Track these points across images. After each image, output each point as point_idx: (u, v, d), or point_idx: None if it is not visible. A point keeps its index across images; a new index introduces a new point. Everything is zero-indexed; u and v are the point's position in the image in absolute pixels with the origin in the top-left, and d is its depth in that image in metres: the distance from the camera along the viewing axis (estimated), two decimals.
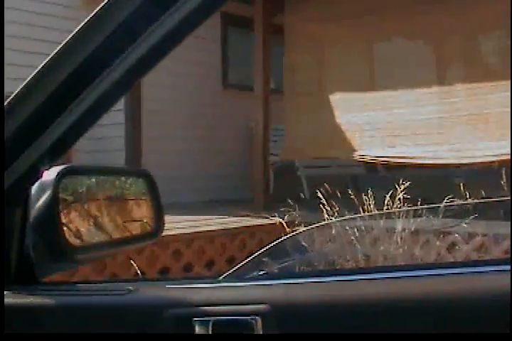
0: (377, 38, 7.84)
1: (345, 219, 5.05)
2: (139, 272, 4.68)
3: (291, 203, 6.07)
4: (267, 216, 6.38)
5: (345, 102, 7.82)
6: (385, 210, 5.22)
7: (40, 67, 1.13)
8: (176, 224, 5.48)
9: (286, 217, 6.07)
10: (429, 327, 1.11)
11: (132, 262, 4.73)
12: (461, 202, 4.60)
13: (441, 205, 4.09)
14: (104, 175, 1.54)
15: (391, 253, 5.12)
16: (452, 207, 4.28)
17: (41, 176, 1.23)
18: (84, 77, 1.13)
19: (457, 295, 1.12)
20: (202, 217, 6.69)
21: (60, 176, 1.28)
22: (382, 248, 5.14)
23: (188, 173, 8.58)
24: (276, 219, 6.10)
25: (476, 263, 1.41)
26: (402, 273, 1.27)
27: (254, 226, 6.39)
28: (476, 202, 4.25)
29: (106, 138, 7.52)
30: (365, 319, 1.14)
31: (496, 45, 6.65)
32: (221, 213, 6.90)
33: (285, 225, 5.96)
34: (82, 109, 1.15)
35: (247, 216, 6.67)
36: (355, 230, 5.21)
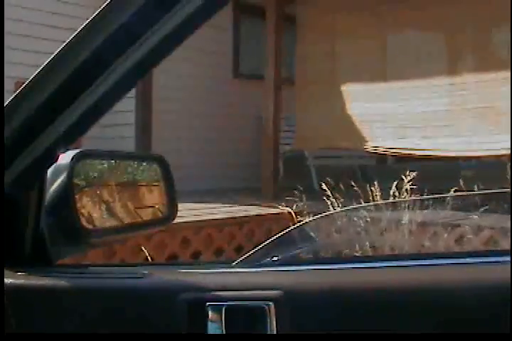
0: (389, 29, 7.81)
1: (356, 208, 5.06)
2: (149, 258, 4.70)
3: (300, 193, 6.08)
4: (276, 205, 6.39)
5: (357, 93, 7.81)
6: (397, 199, 5.22)
7: (55, 53, 1.14)
8: (185, 212, 5.50)
9: (294, 206, 6.08)
10: (435, 315, 1.11)
11: (142, 248, 4.75)
12: (469, 193, 4.59)
13: (450, 195, 4.08)
14: (119, 159, 1.55)
15: (402, 241, 5.13)
16: (460, 199, 4.28)
17: (57, 160, 1.24)
18: (98, 65, 1.14)
19: (458, 285, 1.13)
20: (211, 205, 6.70)
21: (75, 160, 1.29)
22: (394, 236, 5.15)
23: (198, 161, 8.59)
24: (285, 209, 6.11)
25: (476, 254, 1.42)
26: (413, 262, 1.28)
27: (262, 215, 6.40)
28: (484, 193, 4.24)
29: (116, 125, 7.51)
30: (377, 306, 1.15)
31: (508, 38, 6.61)
32: (230, 202, 6.91)
33: (293, 215, 5.97)
34: (98, 93, 1.16)
35: (256, 205, 6.68)
36: (367, 219, 5.22)
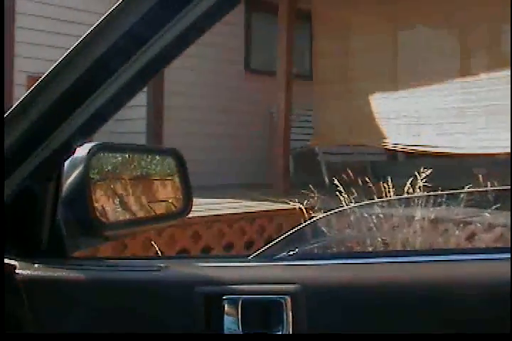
0: (406, 25, 7.79)
1: (372, 203, 5.05)
2: (159, 253, 4.71)
3: (311, 189, 6.07)
4: (287, 201, 6.38)
5: (373, 90, 7.80)
6: (409, 195, 5.21)
7: (72, 47, 1.15)
8: (195, 207, 5.48)
9: (305, 202, 6.08)
10: (453, 310, 1.12)
11: (153, 243, 4.76)
12: (482, 190, 4.58)
13: (463, 191, 4.07)
14: (135, 153, 1.55)
15: (414, 237, 5.12)
16: (473, 196, 4.26)
17: (74, 153, 1.24)
18: (114, 61, 1.15)
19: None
20: (221, 200, 6.70)
21: (92, 152, 1.30)
22: (406, 233, 5.14)
23: (208, 156, 8.60)
24: (296, 205, 6.11)
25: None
26: (428, 258, 1.28)
27: (273, 210, 6.40)
28: (497, 190, 4.23)
29: (127, 120, 7.52)
30: (393, 301, 1.15)
31: None
32: (241, 197, 6.91)
33: (304, 210, 5.97)
34: (115, 88, 1.16)
35: (267, 200, 6.68)
36: (383, 214, 5.21)
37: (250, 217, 6.13)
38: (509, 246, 4.65)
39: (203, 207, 5.85)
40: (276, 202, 6.61)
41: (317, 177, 7.30)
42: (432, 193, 5.01)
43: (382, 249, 4.84)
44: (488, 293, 1.10)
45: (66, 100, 1.18)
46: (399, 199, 5.02)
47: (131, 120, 7.91)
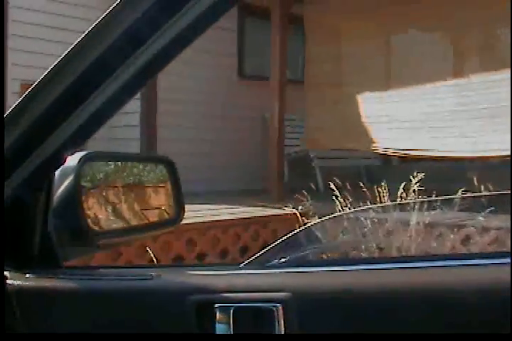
0: (398, 30, 7.81)
1: (364, 209, 5.05)
2: (154, 260, 4.70)
3: (306, 194, 6.07)
4: (281, 206, 6.39)
5: (365, 94, 7.81)
6: (404, 200, 5.22)
7: (61, 57, 1.15)
8: (190, 213, 5.48)
9: (300, 207, 6.08)
10: (443, 317, 1.12)
11: (148, 249, 4.75)
12: (476, 194, 4.59)
13: (457, 196, 4.08)
14: (126, 161, 1.55)
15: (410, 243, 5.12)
16: (467, 200, 4.27)
17: (64, 162, 1.24)
18: (104, 69, 1.14)
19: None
20: (216, 206, 6.70)
21: (83, 162, 1.30)
22: (400, 238, 5.14)
23: (203, 163, 8.59)
24: (291, 210, 6.11)
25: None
26: (421, 264, 1.28)
27: (268, 216, 6.40)
28: (490, 195, 4.23)
29: (121, 127, 7.52)
30: (386, 308, 1.14)
31: None
32: (235, 203, 6.91)
33: (299, 216, 5.97)
34: (105, 97, 1.16)
35: (261, 206, 6.68)
36: (374, 220, 5.21)
37: (245, 222, 6.13)
38: (509, 250, 4.66)
39: (197, 213, 5.85)
40: (270, 207, 6.61)
41: (311, 183, 7.30)
42: (425, 199, 5.01)
43: (375, 254, 4.84)
44: (488, 299, 1.10)
45: (56, 109, 1.18)
46: (393, 205, 5.03)
47: (125, 126, 7.91)
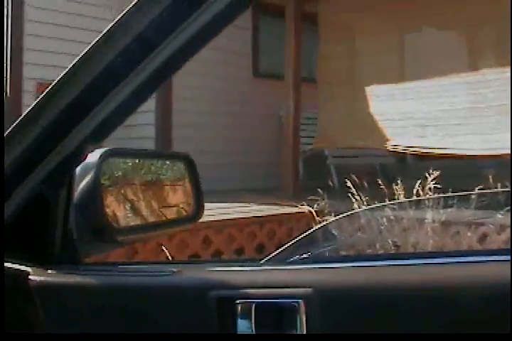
0: (411, 27, 7.77)
1: (382, 206, 5.04)
2: (170, 258, 4.71)
3: (321, 192, 6.06)
4: (296, 204, 6.38)
5: (378, 92, 7.79)
6: (417, 197, 5.20)
7: (83, 53, 1.16)
8: (206, 212, 5.48)
9: (315, 205, 6.07)
10: (463, 313, 1.12)
11: (164, 248, 4.76)
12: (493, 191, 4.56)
13: (473, 192, 4.06)
14: (146, 158, 1.55)
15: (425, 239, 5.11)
16: (484, 198, 4.25)
17: (85, 158, 1.25)
18: (125, 66, 1.16)
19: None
20: (231, 204, 6.70)
21: (103, 158, 1.30)
22: (416, 235, 5.13)
23: (218, 161, 8.59)
24: (306, 208, 6.10)
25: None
26: (442, 260, 1.28)
27: (283, 214, 6.39)
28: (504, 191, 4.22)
29: (136, 126, 7.53)
30: (407, 304, 1.14)
31: None
32: (250, 201, 6.91)
33: (314, 214, 5.96)
34: (125, 93, 1.17)
35: (277, 204, 6.67)
36: (394, 217, 5.20)
37: (261, 221, 6.12)
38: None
39: (213, 211, 5.85)
40: (286, 205, 6.60)
41: (327, 181, 7.28)
42: (441, 195, 4.99)
43: (393, 251, 4.82)
44: (493, 295, 1.10)
45: (76, 106, 1.19)
46: (409, 202, 5.01)
47: (140, 125, 7.92)
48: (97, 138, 1.23)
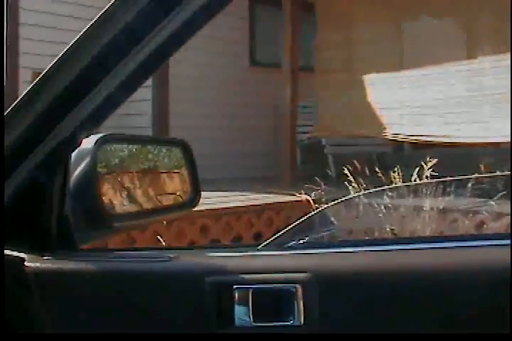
0: (408, 16, 7.76)
1: (380, 191, 5.04)
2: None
3: (318, 181, 6.06)
4: (294, 193, 6.38)
5: (376, 80, 7.78)
6: (411, 183, 5.21)
7: (75, 40, 1.15)
8: (202, 200, 5.47)
9: (312, 194, 6.07)
10: (457, 297, 1.12)
11: (159, 237, 4.76)
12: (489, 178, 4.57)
13: (470, 177, 4.06)
14: (142, 144, 1.54)
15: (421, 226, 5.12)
16: (480, 184, 4.25)
17: (80, 144, 1.24)
18: (118, 52, 1.15)
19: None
20: (229, 193, 6.70)
21: (99, 144, 1.29)
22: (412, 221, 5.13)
23: (214, 150, 8.59)
24: (303, 197, 6.10)
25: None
26: (438, 245, 1.28)
27: (280, 203, 6.40)
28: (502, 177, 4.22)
29: (133, 115, 7.52)
30: (404, 289, 1.14)
31: None
32: (248, 190, 6.91)
33: (311, 202, 5.96)
34: (119, 78, 1.16)
35: (274, 193, 6.68)
36: (390, 202, 5.21)
37: (258, 209, 6.13)
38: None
39: (210, 200, 5.85)
40: (283, 194, 6.60)
41: (324, 169, 7.29)
42: (438, 180, 5.00)
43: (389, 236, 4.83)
44: (490, 279, 1.10)
45: (71, 92, 1.18)
46: (406, 186, 5.02)
47: (137, 115, 7.92)
48: (92, 123, 1.22)
